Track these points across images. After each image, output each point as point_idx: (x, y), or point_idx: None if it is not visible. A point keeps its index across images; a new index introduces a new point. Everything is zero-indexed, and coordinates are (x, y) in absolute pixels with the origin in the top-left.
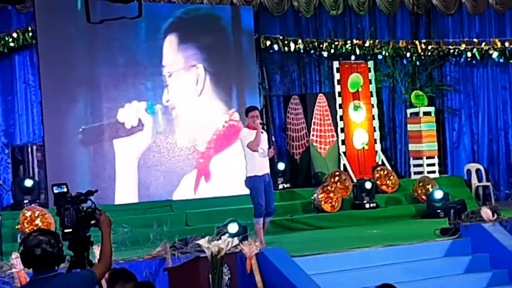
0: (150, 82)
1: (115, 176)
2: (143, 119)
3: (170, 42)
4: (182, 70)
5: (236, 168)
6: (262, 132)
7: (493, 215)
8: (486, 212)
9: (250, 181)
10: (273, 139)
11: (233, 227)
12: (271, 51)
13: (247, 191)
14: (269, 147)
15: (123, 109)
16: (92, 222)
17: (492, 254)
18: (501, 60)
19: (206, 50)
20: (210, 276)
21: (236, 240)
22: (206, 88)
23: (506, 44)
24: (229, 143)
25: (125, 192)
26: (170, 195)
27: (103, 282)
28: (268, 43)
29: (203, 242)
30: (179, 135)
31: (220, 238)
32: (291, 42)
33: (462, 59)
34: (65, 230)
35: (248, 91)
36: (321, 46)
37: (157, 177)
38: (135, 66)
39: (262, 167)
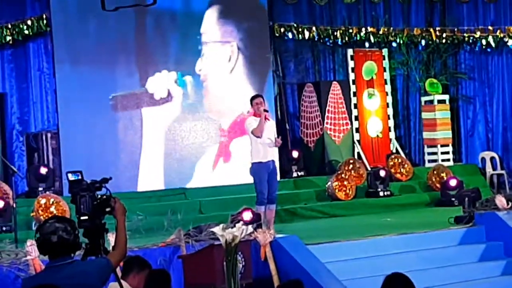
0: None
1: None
2: (172, 91)
3: (211, 13)
4: (218, 44)
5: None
6: (268, 120)
7: (508, 203)
8: (500, 200)
9: (254, 168)
10: (288, 127)
11: (247, 215)
12: (285, 38)
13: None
14: (278, 136)
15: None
16: (108, 209)
17: (506, 242)
18: None
19: (244, 31)
20: (225, 263)
21: (250, 228)
22: (238, 68)
23: None
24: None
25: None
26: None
27: (118, 269)
28: (282, 30)
29: (217, 229)
30: (208, 108)
31: (234, 226)
32: (305, 29)
33: (477, 47)
34: (81, 218)
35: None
36: (335, 33)
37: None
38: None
39: (267, 154)
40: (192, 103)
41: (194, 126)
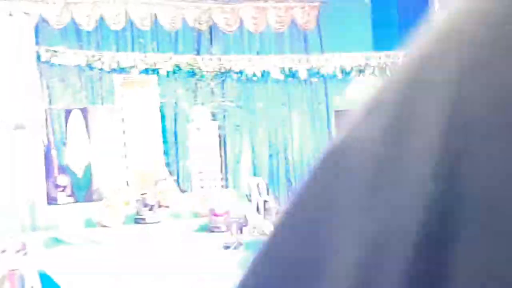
0: None
1: None
2: None
3: None
4: None
5: None
6: None
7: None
8: (268, 226)
9: None
10: (54, 153)
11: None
12: (51, 63)
13: None
14: None
15: None
16: None
17: None
18: (281, 78)
19: None
20: None
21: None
22: None
23: (286, 62)
24: None
25: None
26: None
27: None
28: (49, 55)
29: None
30: None
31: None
32: (72, 54)
33: (243, 76)
34: None
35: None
36: (102, 59)
37: None
38: None
39: None
40: None
41: None
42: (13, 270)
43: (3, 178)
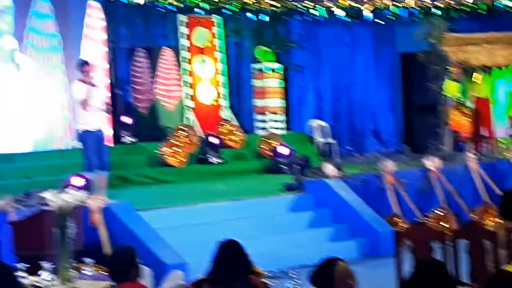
0: None
1: None
2: None
3: None
4: None
5: None
6: (94, 85)
7: (336, 171)
8: (329, 168)
9: (81, 136)
10: (120, 92)
11: (78, 181)
12: (116, 2)
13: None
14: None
15: None
16: None
17: (334, 210)
18: (345, 18)
19: None
20: (55, 229)
21: (81, 194)
22: None
23: (350, 2)
24: None
25: None
26: None
27: None
28: None
29: (48, 195)
30: None
31: (65, 191)
32: None
33: (307, 16)
34: None
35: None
36: None
37: None
38: None
39: (93, 123)
40: None
41: None
42: (78, 206)
43: (70, 117)
